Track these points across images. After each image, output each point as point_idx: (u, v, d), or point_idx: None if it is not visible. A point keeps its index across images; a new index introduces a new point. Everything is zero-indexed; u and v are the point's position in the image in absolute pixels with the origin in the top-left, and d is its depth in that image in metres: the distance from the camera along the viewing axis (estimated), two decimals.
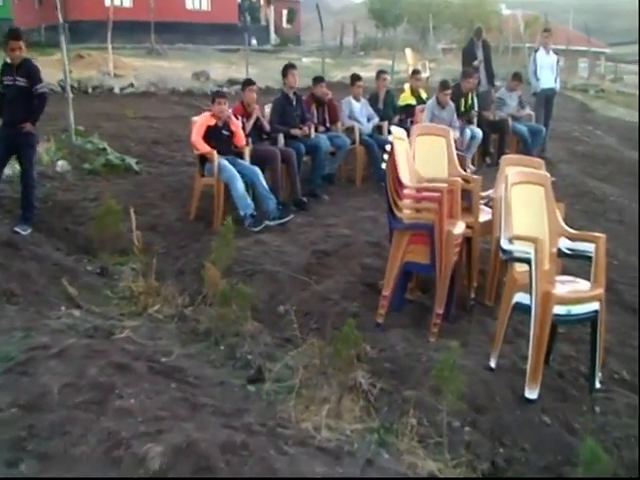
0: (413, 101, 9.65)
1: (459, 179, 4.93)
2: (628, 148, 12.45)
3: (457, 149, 8.54)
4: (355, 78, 9.20)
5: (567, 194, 8.86)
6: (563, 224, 4.30)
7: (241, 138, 7.09)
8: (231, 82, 16.97)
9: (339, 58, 27.99)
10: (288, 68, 8.08)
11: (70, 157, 8.67)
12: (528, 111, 10.65)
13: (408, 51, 17.86)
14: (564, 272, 4.68)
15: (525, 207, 4.20)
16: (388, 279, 4.66)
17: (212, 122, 6.96)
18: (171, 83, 15.36)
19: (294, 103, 8.07)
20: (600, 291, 3.97)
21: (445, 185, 4.46)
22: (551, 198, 4.29)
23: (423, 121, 8.47)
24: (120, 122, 11.39)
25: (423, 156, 5.39)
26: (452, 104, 8.75)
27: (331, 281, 5.50)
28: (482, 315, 5.10)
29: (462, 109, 9.72)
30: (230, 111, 7.40)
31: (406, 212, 4.64)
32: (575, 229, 7.90)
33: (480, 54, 11.16)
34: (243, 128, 7.36)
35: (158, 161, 9.48)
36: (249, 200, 6.67)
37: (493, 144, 10.36)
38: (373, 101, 9.48)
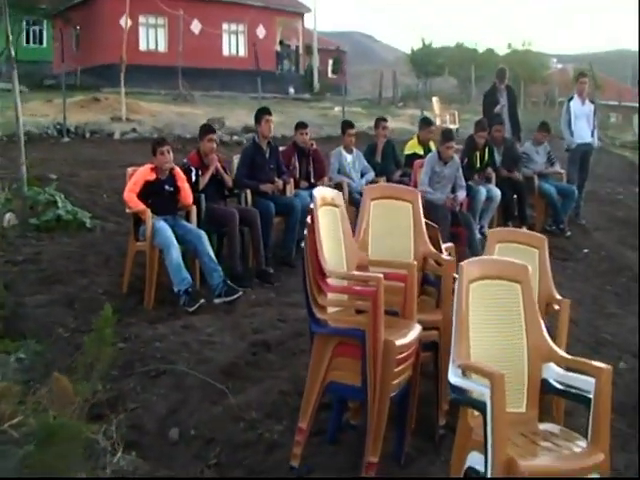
0: (420, 150, 8.32)
1: (414, 262, 3.55)
2: None
3: (461, 212, 7.27)
4: (347, 125, 7.95)
5: (599, 271, 7.41)
6: (551, 343, 2.86)
7: (187, 195, 5.87)
8: (247, 129, 16.02)
9: (376, 108, 26.95)
10: (262, 113, 6.87)
11: (21, 210, 7.61)
12: (558, 168, 9.19)
13: (435, 100, 16.62)
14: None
15: (492, 318, 2.81)
16: (305, 406, 3.28)
17: (152, 177, 5.77)
18: (179, 129, 14.40)
19: (267, 154, 6.84)
20: (601, 457, 2.52)
21: (378, 275, 3.09)
22: (532, 302, 2.87)
23: (421, 178, 7.13)
24: (101, 170, 10.36)
25: (379, 228, 4.03)
26: (457, 159, 7.39)
27: (258, 389, 4.14)
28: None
29: (477, 165, 8.37)
30: (185, 161, 6.27)
31: (330, 311, 3.28)
32: (603, 316, 6.49)
33: (504, 100, 9.82)
34: (196, 182, 6.16)
35: (126, 216, 8.33)
36: (185, 273, 5.41)
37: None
38: (370, 153, 8.22)
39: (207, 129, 6.49)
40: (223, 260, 6.17)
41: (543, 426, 2.80)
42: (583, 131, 9.37)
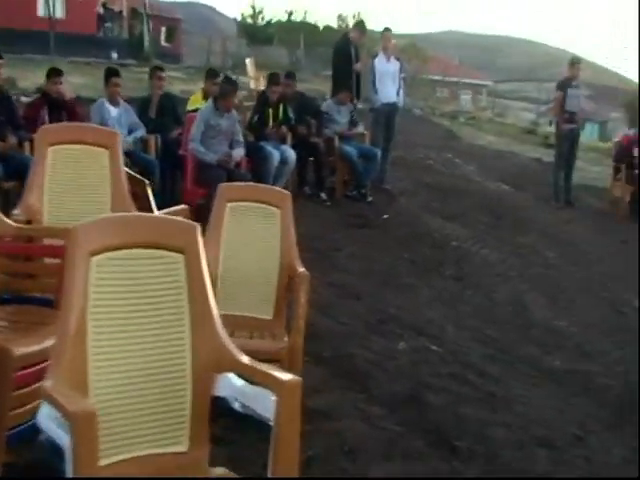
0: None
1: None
2: (490, 179, 10.53)
3: (238, 172, 6.24)
4: (111, 73, 6.68)
5: (397, 238, 6.71)
6: (227, 342, 1.88)
7: None
8: (39, 90, 14.33)
9: (200, 74, 25.51)
10: None
11: None
12: (361, 129, 8.48)
13: (249, 62, 15.58)
14: None
15: (133, 309, 1.78)
16: None
17: None
18: None
19: None
20: None
21: None
22: (201, 282, 1.87)
23: (192, 133, 6.05)
24: None
25: (61, 185, 2.90)
26: (235, 112, 6.37)
27: None
28: None
29: (270, 123, 7.43)
30: None
31: None
32: (394, 288, 5.77)
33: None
34: None
35: None
36: None
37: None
38: (143, 107, 7.02)
39: None
40: None
41: (219, 471, 1.83)
42: (388, 90, 8.68)
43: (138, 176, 3.12)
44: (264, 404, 1.67)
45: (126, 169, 3.06)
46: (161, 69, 7.42)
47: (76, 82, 15.66)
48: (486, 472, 3.17)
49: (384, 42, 8.84)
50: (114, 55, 30.95)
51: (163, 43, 43.54)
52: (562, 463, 3.31)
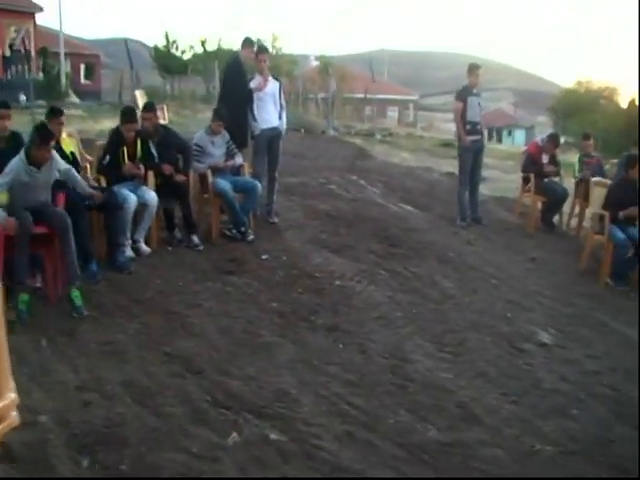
0: None
1: None
2: (393, 201, 9.79)
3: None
4: None
5: (270, 284, 5.87)
6: None
7: None
8: None
9: (110, 111, 24.44)
10: None
11: None
12: (239, 161, 7.63)
13: (138, 93, 14.70)
14: None
15: None
16: None
17: None
18: None
19: None
20: None
21: None
22: None
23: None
24: None
25: None
26: (54, 161, 5.39)
27: None
28: None
29: (123, 162, 6.54)
30: None
31: None
32: (249, 351, 4.64)
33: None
34: None
35: None
36: None
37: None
38: None
39: None
40: None
41: None
42: (268, 114, 7.91)
43: None
44: None
45: None
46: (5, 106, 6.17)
47: None
48: None
49: (259, 65, 8.02)
50: (22, 97, 29.56)
51: (83, 81, 42.45)
52: None
